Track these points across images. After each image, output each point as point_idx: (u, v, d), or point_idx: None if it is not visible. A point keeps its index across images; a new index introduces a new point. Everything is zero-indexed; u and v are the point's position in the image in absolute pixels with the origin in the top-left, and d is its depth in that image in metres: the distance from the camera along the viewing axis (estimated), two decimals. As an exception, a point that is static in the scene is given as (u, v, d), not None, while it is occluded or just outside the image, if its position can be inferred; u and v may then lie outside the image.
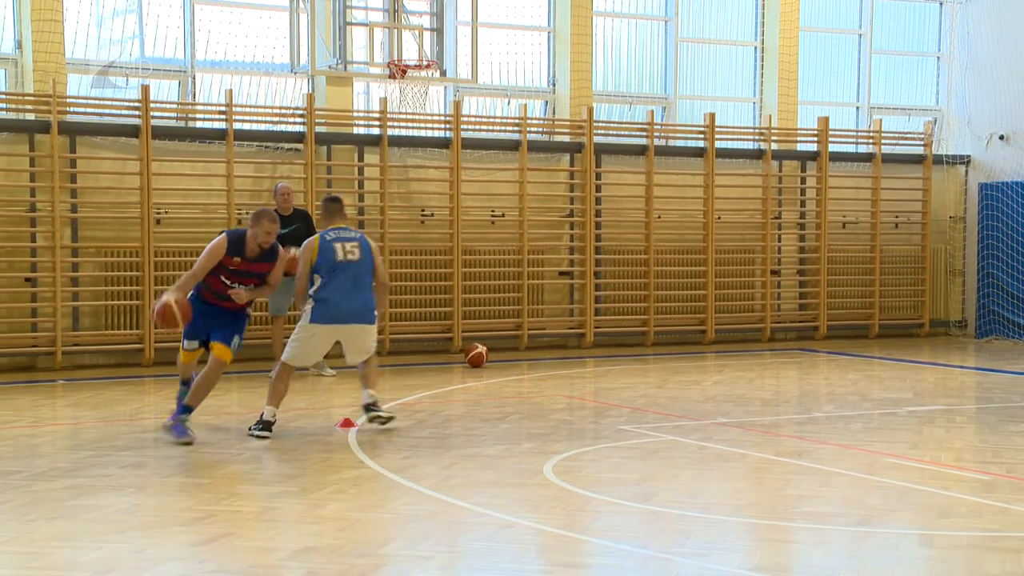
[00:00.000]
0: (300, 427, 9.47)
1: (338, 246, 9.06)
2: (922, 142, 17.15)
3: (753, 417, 9.94)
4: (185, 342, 8.96)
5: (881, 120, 16.99)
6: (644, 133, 15.56)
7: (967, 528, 6.52)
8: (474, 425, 9.66)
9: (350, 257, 9.05)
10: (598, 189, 15.40)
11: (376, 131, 14.28)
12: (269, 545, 6.14)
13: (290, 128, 13.92)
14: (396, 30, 14.18)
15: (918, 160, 17.13)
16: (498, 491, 7.34)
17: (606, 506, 7.01)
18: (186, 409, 8.70)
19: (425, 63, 14.24)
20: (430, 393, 11.36)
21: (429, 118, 14.82)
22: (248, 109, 13.80)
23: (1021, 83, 16.41)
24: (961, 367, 14.20)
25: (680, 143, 16.13)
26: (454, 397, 11.33)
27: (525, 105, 15.01)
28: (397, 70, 14.16)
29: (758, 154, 16.25)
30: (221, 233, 8.91)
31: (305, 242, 9.25)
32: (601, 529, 6.59)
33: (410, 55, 14.22)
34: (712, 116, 15.82)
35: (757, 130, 16.40)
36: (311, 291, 9.07)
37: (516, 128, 14.89)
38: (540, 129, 15.46)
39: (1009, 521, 6.63)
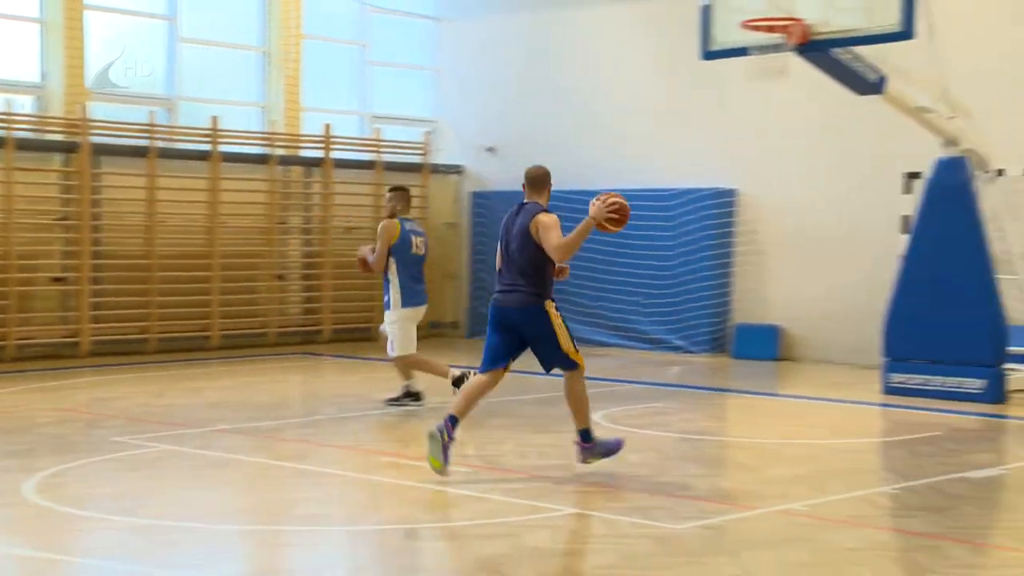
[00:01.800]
0: None
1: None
2: (420, 151, 17.98)
3: (255, 423, 9.94)
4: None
5: (379, 129, 17.61)
6: (146, 134, 15.06)
7: (450, 520, 6.94)
8: (-52, 446, 8.88)
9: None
10: (97, 191, 14.69)
11: None
12: None
13: None
14: None
15: (417, 168, 17.93)
16: (-31, 516, 6.80)
17: (92, 523, 6.71)
18: (588, 435, 7.96)
19: None
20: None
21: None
22: None
23: (502, 99, 17.67)
24: (452, 366, 14.98)
25: (184, 146, 15.77)
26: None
27: (10, 100, 13.98)
28: None
29: (264, 159, 16.27)
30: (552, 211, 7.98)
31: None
32: (86, 548, 6.31)
33: None
34: (216, 119, 15.62)
35: (263, 135, 16.41)
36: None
37: (2, 125, 13.84)
38: (29, 126, 14.49)
39: (485, 509, 7.10)
